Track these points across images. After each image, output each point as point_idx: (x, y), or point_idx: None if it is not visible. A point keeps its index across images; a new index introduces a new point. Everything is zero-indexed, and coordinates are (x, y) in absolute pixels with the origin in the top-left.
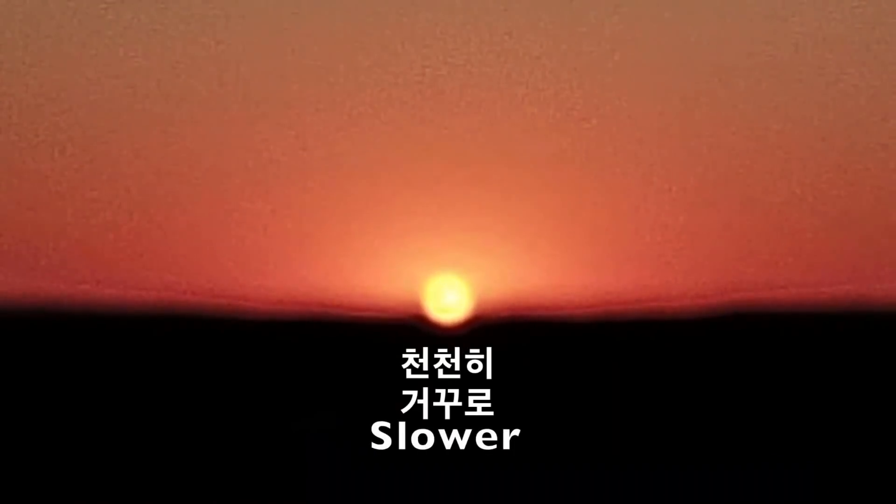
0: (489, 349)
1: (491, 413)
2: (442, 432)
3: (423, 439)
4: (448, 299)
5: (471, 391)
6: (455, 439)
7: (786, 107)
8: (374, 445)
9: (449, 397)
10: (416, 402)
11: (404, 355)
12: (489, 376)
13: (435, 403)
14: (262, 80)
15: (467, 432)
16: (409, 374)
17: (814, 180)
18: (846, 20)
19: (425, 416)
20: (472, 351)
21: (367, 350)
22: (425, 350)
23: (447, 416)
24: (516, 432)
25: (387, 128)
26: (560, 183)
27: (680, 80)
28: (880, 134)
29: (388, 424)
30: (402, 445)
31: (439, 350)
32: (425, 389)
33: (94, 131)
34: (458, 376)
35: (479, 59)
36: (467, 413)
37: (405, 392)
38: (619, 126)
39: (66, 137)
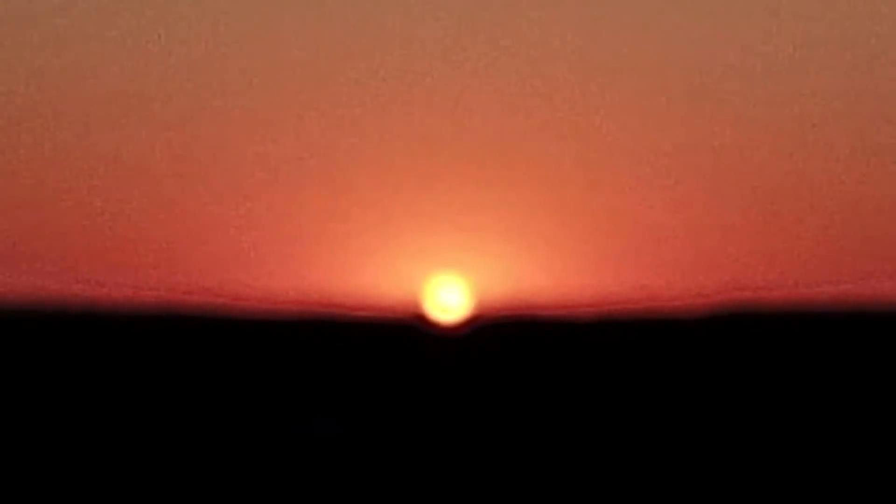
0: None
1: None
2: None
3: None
4: (448, 299)
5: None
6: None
7: (785, 106)
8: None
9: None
10: (415, 402)
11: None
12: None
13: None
14: (259, 78)
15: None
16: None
17: (814, 179)
18: (845, 18)
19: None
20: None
21: (365, 351)
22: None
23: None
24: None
25: (386, 126)
26: (560, 182)
27: (679, 78)
28: (879, 132)
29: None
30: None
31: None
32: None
33: (93, 130)
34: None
35: (478, 57)
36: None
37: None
38: (619, 125)
39: (65, 136)
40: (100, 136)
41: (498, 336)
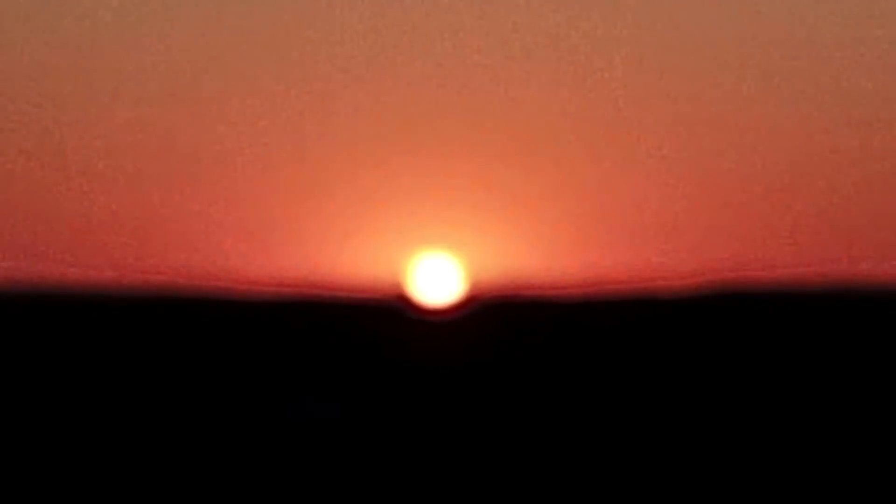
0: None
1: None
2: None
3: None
4: (436, 280)
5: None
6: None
7: (776, 86)
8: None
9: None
10: (401, 389)
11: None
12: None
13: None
14: (233, 60)
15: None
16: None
17: (805, 159)
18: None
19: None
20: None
21: (348, 335)
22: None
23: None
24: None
25: (368, 97)
26: (551, 159)
27: (670, 60)
28: (870, 113)
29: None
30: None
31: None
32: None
33: (83, 117)
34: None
35: (466, 28)
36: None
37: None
38: (612, 105)
39: (57, 124)
40: (89, 121)
41: (490, 318)
